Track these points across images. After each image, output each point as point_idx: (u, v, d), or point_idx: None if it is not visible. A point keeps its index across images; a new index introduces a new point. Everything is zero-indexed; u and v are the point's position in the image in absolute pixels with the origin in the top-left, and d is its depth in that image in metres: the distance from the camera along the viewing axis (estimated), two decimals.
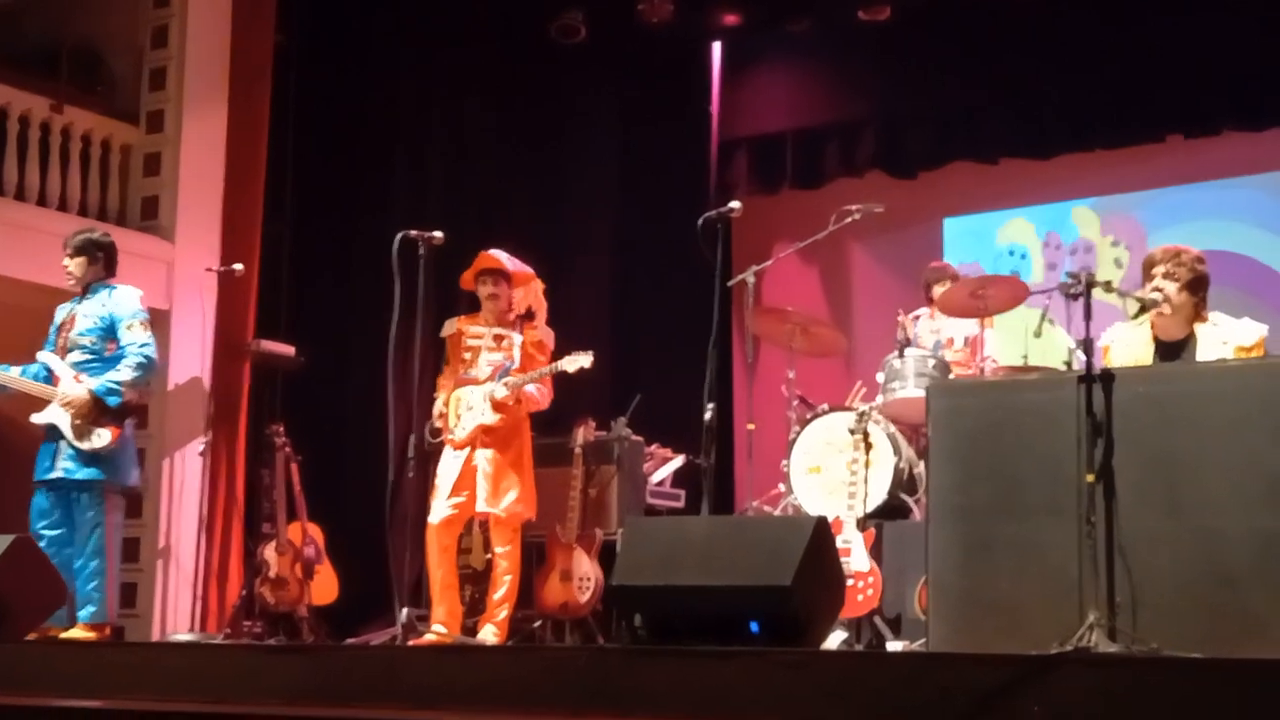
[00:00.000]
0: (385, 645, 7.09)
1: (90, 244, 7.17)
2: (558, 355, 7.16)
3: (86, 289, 7.13)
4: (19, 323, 8.05)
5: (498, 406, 6.99)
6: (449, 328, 7.31)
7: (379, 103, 10.23)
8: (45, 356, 7.05)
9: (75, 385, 6.89)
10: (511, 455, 7.04)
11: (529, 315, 7.27)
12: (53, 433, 6.90)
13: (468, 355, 7.18)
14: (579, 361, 6.91)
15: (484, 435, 7.01)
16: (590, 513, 8.20)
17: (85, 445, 6.83)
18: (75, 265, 7.13)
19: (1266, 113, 9.49)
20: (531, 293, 7.29)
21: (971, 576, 4.99)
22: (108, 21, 9.77)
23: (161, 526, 8.84)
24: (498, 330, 7.17)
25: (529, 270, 7.30)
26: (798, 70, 11.23)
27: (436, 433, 7.27)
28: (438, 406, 7.20)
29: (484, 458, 7.00)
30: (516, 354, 7.08)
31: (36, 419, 6.92)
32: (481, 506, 7.00)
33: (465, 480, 7.01)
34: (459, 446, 7.07)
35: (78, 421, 6.83)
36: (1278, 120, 9.50)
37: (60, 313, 7.19)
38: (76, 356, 6.99)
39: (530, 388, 7.05)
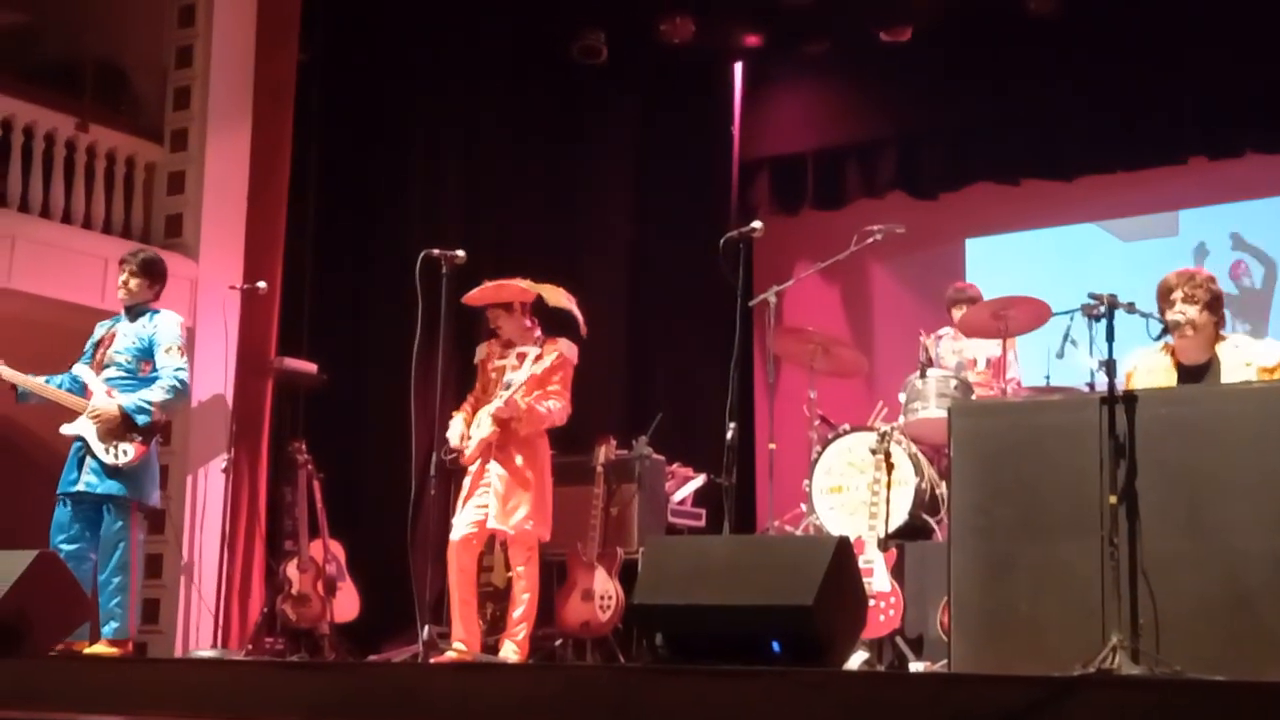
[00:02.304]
0: (407, 663, 7.09)
1: (154, 267, 7.20)
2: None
3: (131, 309, 7.16)
4: (44, 339, 8.08)
5: (495, 420, 7.00)
6: (479, 353, 7.36)
7: (401, 122, 10.26)
8: (80, 370, 7.08)
9: (107, 399, 6.93)
10: (522, 472, 7.01)
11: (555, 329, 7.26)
12: (80, 445, 6.93)
13: (494, 375, 7.20)
14: (561, 300, 7.03)
15: (497, 452, 7.01)
16: (611, 531, 8.20)
17: (109, 459, 6.86)
18: (135, 284, 7.13)
19: None
20: (555, 298, 7.26)
21: (993, 597, 4.99)
22: (132, 41, 9.80)
23: (184, 543, 8.85)
24: (520, 349, 7.19)
25: (521, 285, 7.20)
26: (818, 91, 11.23)
27: (453, 458, 7.25)
28: (453, 427, 7.18)
29: (495, 474, 7.01)
30: (541, 369, 7.06)
31: (66, 430, 6.96)
32: (493, 523, 7.00)
33: (479, 496, 7.03)
34: (469, 463, 7.09)
35: (104, 434, 6.87)
36: None
37: (100, 329, 7.23)
38: (111, 373, 7.03)
39: (540, 406, 7.04)
